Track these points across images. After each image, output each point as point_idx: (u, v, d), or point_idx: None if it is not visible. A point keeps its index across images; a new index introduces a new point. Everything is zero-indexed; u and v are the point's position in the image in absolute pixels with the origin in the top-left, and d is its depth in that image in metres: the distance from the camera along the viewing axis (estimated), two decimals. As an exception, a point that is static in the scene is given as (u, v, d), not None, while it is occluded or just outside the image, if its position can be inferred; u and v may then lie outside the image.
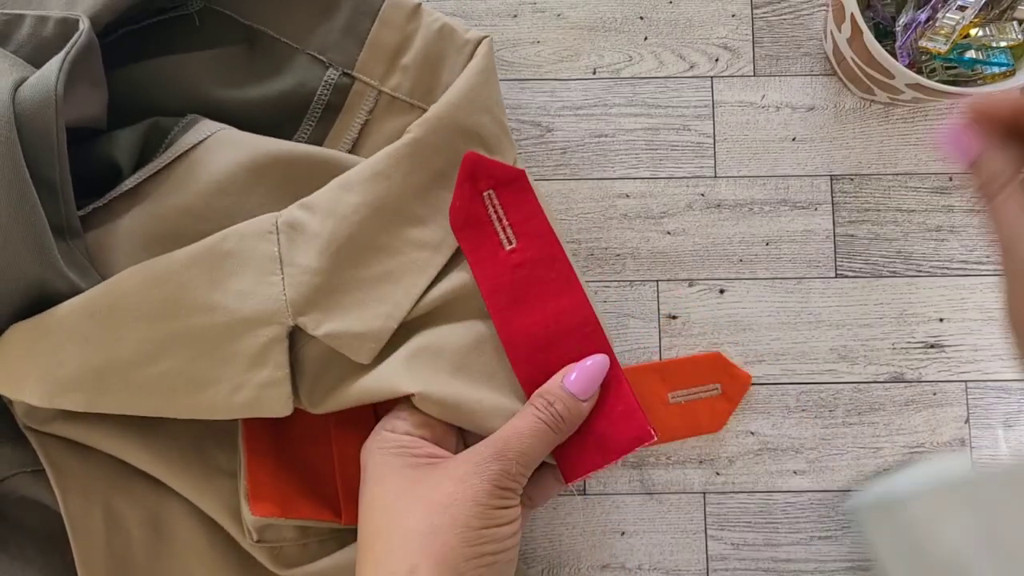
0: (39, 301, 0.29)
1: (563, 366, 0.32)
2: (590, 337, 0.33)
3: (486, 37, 0.35)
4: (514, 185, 0.33)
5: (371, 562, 0.27)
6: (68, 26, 0.31)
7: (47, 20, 0.32)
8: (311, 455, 0.34)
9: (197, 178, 0.31)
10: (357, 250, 0.31)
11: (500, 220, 0.33)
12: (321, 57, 0.35)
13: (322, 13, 0.35)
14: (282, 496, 0.31)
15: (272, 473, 0.32)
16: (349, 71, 0.35)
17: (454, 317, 0.33)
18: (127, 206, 0.31)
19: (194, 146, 0.32)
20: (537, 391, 0.31)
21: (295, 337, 0.30)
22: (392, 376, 0.30)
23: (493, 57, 0.36)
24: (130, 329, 0.28)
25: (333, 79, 0.35)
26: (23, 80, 0.28)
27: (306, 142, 0.35)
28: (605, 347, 0.33)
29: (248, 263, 0.29)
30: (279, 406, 0.29)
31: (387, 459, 0.29)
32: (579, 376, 0.31)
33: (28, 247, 0.28)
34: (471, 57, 0.35)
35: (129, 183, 0.31)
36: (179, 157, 0.32)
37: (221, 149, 0.32)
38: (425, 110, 0.34)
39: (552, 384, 0.32)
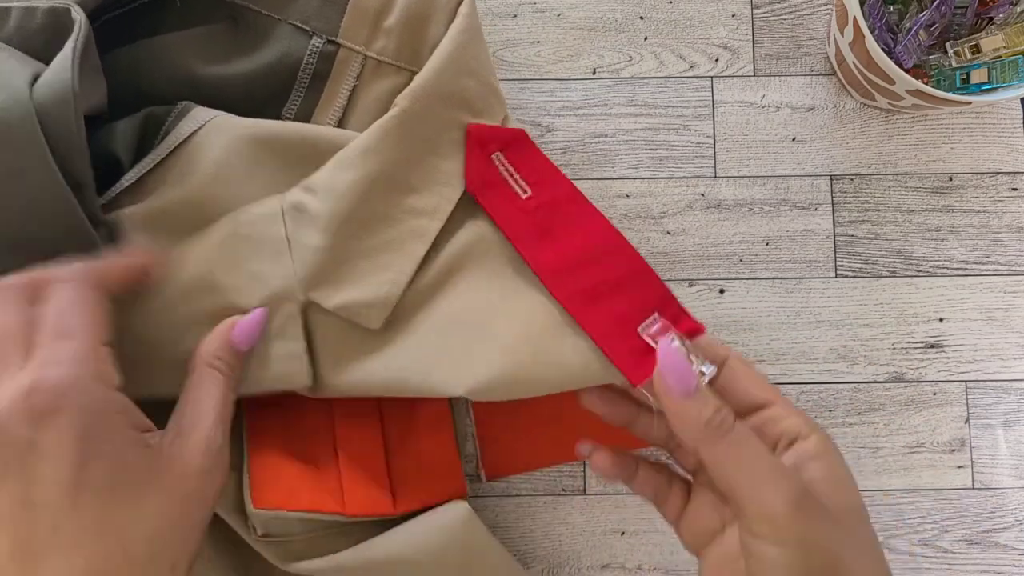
0: None
1: (600, 283, 0.31)
2: (630, 259, 0.32)
3: None
4: (517, 143, 0.35)
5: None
6: (57, 16, 0.31)
7: (35, 11, 0.31)
8: (314, 449, 0.34)
9: (197, 169, 0.32)
10: (358, 224, 0.32)
11: (512, 175, 0.34)
12: (304, 26, 0.35)
13: None
14: (285, 488, 0.32)
15: (275, 466, 0.32)
16: (333, 38, 0.35)
17: (460, 286, 0.33)
18: (130, 200, 0.32)
19: (191, 135, 0.32)
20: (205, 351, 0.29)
21: (305, 317, 0.31)
22: (427, 370, 0.31)
23: (476, 16, 0.35)
24: (155, 313, 0.30)
25: (318, 47, 0.35)
26: (34, 77, 0.28)
27: (296, 112, 0.36)
28: (642, 266, 0.32)
29: (262, 246, 0.31)
30: (300, 379, 0.30)
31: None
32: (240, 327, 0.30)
33: (74, 244, 0.28)
34: (455, 16, 0.35)
35: (131, 177, 0.32)
36: (177, 148, 0.32)
37: (218, 138, 0.32)
38: (413, 72, 0.34)
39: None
